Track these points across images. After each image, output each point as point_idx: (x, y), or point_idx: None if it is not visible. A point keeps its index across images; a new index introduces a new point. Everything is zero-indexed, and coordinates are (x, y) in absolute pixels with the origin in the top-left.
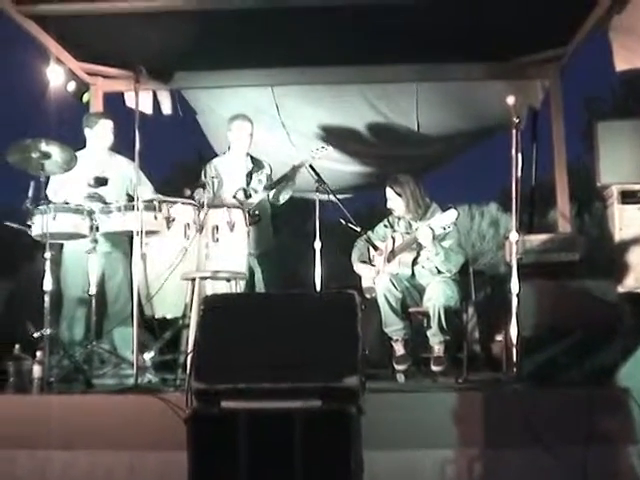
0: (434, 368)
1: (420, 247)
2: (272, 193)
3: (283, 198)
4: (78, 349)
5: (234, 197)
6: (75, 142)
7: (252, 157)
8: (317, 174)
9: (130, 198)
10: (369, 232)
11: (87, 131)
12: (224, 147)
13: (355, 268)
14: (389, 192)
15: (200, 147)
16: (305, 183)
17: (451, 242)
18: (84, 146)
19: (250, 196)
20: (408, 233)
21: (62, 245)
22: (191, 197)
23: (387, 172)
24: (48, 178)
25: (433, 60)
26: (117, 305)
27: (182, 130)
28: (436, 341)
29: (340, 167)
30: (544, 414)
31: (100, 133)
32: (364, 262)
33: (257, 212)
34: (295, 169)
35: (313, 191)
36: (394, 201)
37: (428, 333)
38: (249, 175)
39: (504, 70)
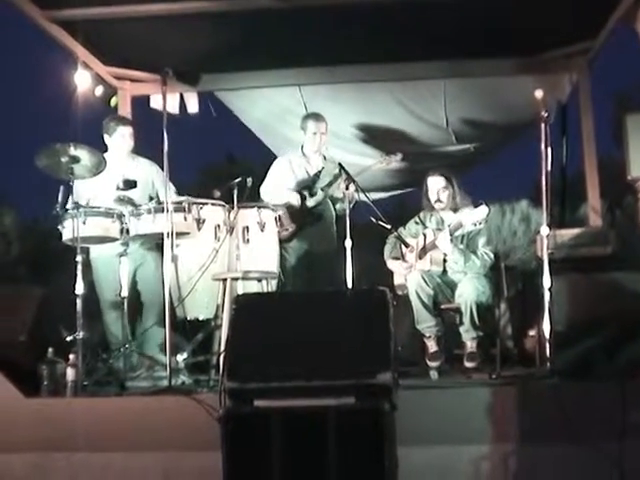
0: (467, 364)
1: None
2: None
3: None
4: (113, 352)
5: (299, 194)
6: (104, 146)
7: (324, 157)
8: (347, 173)
9: (152, 200)
10: (400, 228)
11: (106, 137)
12: (257, 147)
13: (388, 264)
14: (440, 181)
15: (229, 149)
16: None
17: (478, 241)
18: (107, 150)
19: (315, 194)
20: (440, 229)
21: (89, 250)
22: (221, 198)
23: (419, 169)
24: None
25: (461, 56)
26: (151, 308)
27: (211, 132)
28: (469, 337)
29: (371, 165)
30: (578, 409)
31: (119, 141)
32: (396, 258)
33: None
34: (362, 172)
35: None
36: (443, 192)
37: (461, 329)
38: (318, 174)
39: (531, 65)
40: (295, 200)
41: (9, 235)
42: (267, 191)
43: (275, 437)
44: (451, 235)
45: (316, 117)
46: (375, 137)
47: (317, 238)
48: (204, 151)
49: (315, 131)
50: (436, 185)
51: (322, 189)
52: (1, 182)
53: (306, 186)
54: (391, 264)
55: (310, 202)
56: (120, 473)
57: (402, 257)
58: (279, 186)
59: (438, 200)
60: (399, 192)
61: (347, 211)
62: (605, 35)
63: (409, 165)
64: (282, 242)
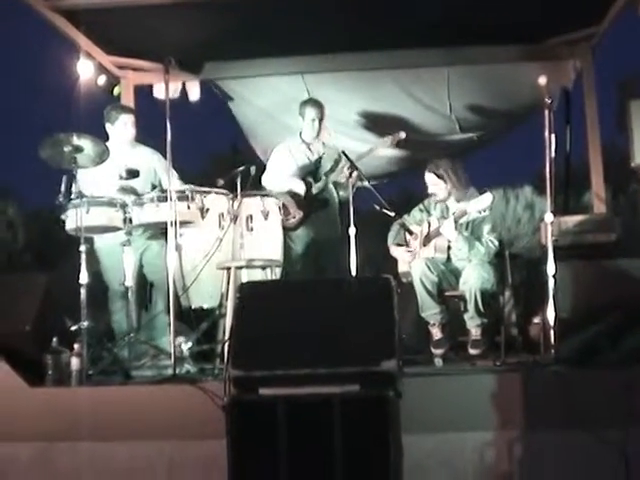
0: (471, 351)
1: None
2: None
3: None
4: (118, 341)
5: (303, 181)
6: (106, 135)
7: (324, 143)
8: (350, 160)
9: (154, 189)
10: (405, 216)
11: (108, 126)
12: (260, 137)
13: (391, 251)
14: (430, 177)
15: (234, 137)
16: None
17: (483, 229)
18: (107, 139)
19: (318, 181)
20: (444, 217)
21: (93, 240)
22: (224, 187)
23: (422, 157)
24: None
25: (464, 43)
26: (160, 291)
27: (214, 121)
28: (473, 324)
29: (375, 152)
30: (583, 395)
31: (121, 129)
32: (400, 245)
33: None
34: (367, 154)
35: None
36: (436, 186)
37: (465, 317)
38: (319, 161)
39: (535, 51)
40: (300, 187)
41: (15, 224)
42: (269, 179)
43: (280, 425)
44: (455, 222)
45: (314, 103)
46: (379, 124)
47: (322, 225)
48: (208, 140)
49: (314, 117)
50: (429, 181)
51: (325, 175)
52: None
53: (309, 172)
54: (395, 251)
55: (314, 189)
56: (125, 462)
57: (406, 244)
58: (281, 173)
59: (433, 194)
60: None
61: (350, 198)
62: (609, 21)
63: (412, 153)
64: (289, 230)
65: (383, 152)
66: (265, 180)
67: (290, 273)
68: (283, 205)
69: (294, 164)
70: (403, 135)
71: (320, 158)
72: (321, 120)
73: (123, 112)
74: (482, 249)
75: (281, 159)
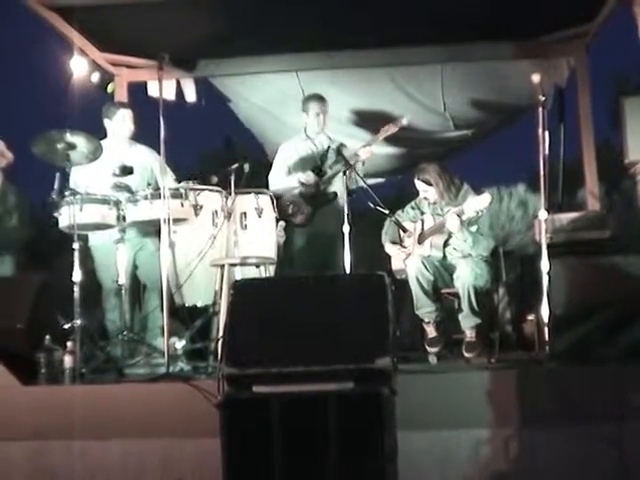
0: (466, 354)
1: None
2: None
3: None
4: (111, 339)
5: (307, 176)
6: (100, 133)
7: (330, 137)
8: (345, 159)
9: (155, 186)
10: (398, 212)
11: (107, 122)
12: (259, 132)
13: (386, 248)
14: (420, 185)
15: (228, 135)
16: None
17: (482, 225)
18: (105, 136)
19: (323, 175)
20: (438, 214)
21: (87, 238)
22: (218, 184)
23: (417, 154)
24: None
25: (459, 40)
26: (153, 291)
27: (209, 118)
28: (468, 325)
29: (378, 141)
30: (578, 392)
31: (119, 124)
32: (394, 242)
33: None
34: (373, 141)
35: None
36: (427, 192)
37: (460, 317)
38: (324, 154)
39: (529, 49)
40: (309, 177)
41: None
42: (276, 178)
43: (274, 423)
44: (459, 217)
45: (317, 98)
46: (372, 122)
47: (331, 219)
48: (202, 137)
49: (318, 111)
50: (419, 187)
51: (330, 167)
52: None
53: (314, 167)
54: (389, 248)
55: (321, 183)
56: (118, 460)
57: (400, 241)
58: (287, 171)
59: (426, 198)
60: (396, 177)
61: (345, 197)
62: (602, 18)
63: (407, 151)
64: (297, 227)
65: (379, 148)
66: (271, 178)
67: (295, 269)
68: (292, 203)
69: (298, 160)
70: (405, 121)
71: (326, 151)
72: (324, 114)
73: (121, 107)
74: (484, 241)
75: (287, 157)
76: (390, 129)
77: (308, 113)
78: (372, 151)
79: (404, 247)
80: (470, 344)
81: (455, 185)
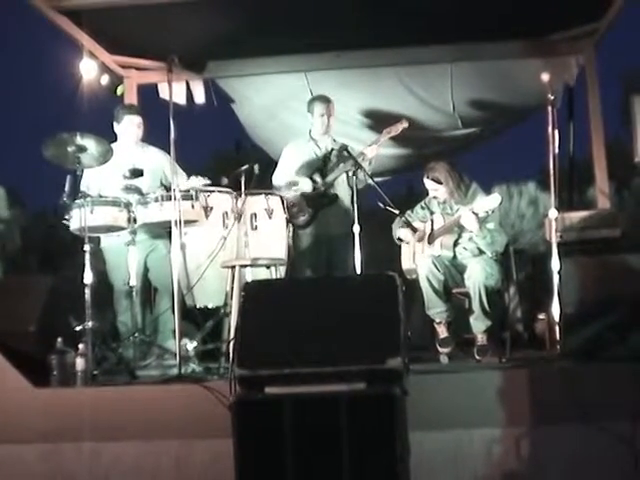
0: (477, 357)
1: (462, 229)
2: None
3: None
4: (123, 341)
5: (310, 178)
6: (110, 135)
7: (334, 140)
8: (353, 158)
9: (165, 188)
10: (408, 212)
11: (116, 125)
12: (262, 135)
13: (397, 234)
14: (429, 183)
15: (237, 136)
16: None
17: (493, 223)
18: (116, 139)
19: (326, 176)
20: (448, 214)
21: (99, 240)
22: (228, 186)
23: (425, 153)
24: (83, 172)
25: (467, 39)
26: (164, 293)
27: (218, 120)
28: (479, 328)
29: (380, 143)
30: (590, 391)
31: (127, 128)
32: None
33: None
34: (374, 143)
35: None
36: (436, 191)
37: (471, 319)
38: (328, 156)
39: (538, 47)
40: (307, 185)
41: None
42: (278, 179)
43: (286, 424)
44: (476, 215)
45: (323, 99)
46: (380, 121)
47: (334, 221)
48: (212, 138)
49: (323, 113)
50: (429, 186)
51: (333, 170)
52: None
53: (316, 169)
54: (400, 232)
55: (322, 185)
56: (131, 462)
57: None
58: (290, 173)
59: (436, 197)
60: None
61: (355, 197)
62: (611, 16)
63: (415, 150)
64: (299, 228)
65: (386, 148)
66: (275, 179)
67: (298, 271)
68: (292, 204)
69: (301, 162)
70: (406, 124)
71: (329, 154)
72: (330, 116)
73: (128, 112)
74: (499, 238)
75: (290, 158)
76: (396, 128)
77: (313, 114)
78: (378, 150)
79: (415, 230)
80: (482, 348)
81: (464, 183)
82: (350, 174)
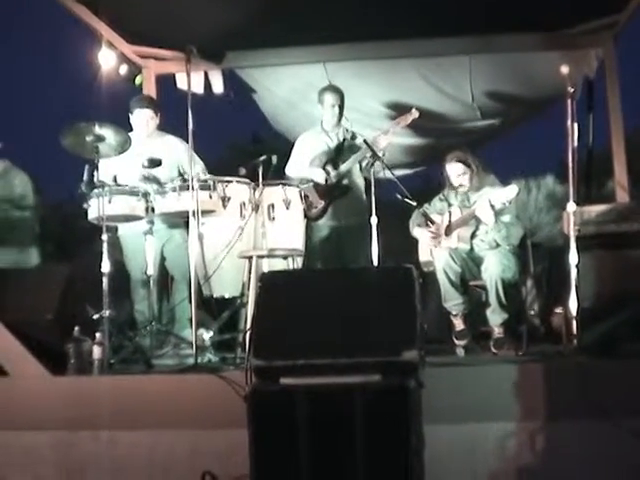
0: (494, 350)
1: (479, 222)
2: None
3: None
4: (139, 330)
5: (323, 169)
6: (128, 125)
7: (347, 129)
8: (372, 149)
9: (183, 179)
10: (425, 205)
11: (130, 117)
12: (285, 122)
13: (413, 233)
14: (454, 167)
15: (255, 127)
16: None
17: (509, 216)
18: (132, 129)
19: (338, 168)
20: (465, 206)
21: (117, 229)
22: (246, 176)
23: (443, 145)
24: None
25: (486, 31)
26: (181, 283)
27: (236, 110)
28: (496, 321)
29: (396, 141)
30: (605, 386)
31: (139, 120)
32: (420, 226)
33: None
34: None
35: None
36: (462, 176)
37: (488, 312)
38: (340, 146)
39: (557, 40)
40: (319, 177)
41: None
42: (292, 170)
43: (301, 414)
44: (492, 207)
45: (333, 89)
46: (399, 112)
47: (346, 212)
48: (231, 128)
49: (333, 103)
50: (455, 171)
51: (345, 161)
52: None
53: (329, 160)
54: (416, 232)
55: (334, 177)
56: (147, 451)
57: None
58: (302, 164)
59: (460, 185)
60: (423, 168)
61: (372, 188)
62: (631, 9)
63: (434, 141)
64: (312, 220)
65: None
66: (288, 170)
67: (312, 262)
68: (305, 195)
69: (313, 153)
70: (416, 114)
71: (342, 144)
72: (341, 106)
73: (139, 106)
74: (515, 232)
75: (303, 149)
76: (405, 118)
77: (323, 105)
78: (390, 140)
79: (432, 231)
80: (498, 341)
81: (485, 174)
82: (364, 164)
